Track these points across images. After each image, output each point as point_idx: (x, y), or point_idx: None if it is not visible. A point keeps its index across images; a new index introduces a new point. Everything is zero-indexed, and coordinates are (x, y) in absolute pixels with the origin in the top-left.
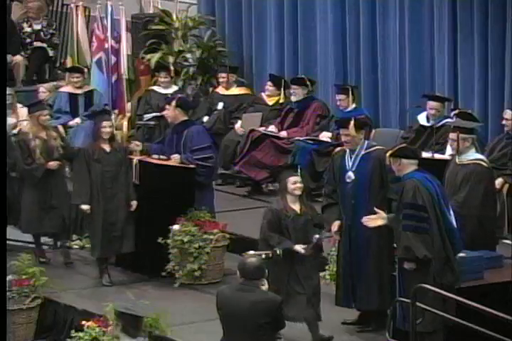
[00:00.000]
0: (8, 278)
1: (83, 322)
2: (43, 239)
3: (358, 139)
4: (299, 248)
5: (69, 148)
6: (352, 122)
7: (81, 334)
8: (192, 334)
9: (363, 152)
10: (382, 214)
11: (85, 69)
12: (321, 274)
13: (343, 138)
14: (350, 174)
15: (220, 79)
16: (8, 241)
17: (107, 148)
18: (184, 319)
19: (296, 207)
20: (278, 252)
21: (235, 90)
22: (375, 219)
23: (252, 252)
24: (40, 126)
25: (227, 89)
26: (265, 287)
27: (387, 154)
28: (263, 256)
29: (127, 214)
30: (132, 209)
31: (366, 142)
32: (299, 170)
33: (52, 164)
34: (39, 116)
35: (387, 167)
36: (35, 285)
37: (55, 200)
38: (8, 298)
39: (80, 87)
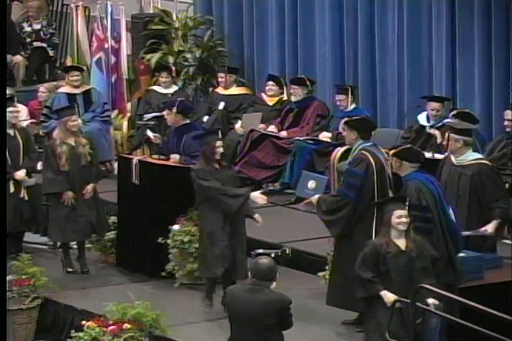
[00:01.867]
0: (8, 278)
1: (83, 322)
2: (42, 239)
3: (351, 138)
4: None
5: (96, 155)
6: (342, 121)
7: (81, 334)
8: (192, 334)
9: (355, 152)
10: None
11: (84, 68)
12: (321, 274)
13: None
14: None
15: (220, 79)
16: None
17: (218, 167)
18: (184, 319)
19: (401, 242)
20: (287, 251)
21: (235, 90)
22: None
23: (260, 251)
24: (68, 131)
25: (226, 89)
26: (273, 286)
27: (391, 152)
28: (272, 255)
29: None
30: (258, 223)
31: (362, 144)
32: (407, 204)
33: (67, 195)
34: (67, 121)
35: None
36: (35, 285)
37: (83, 209)
38: (8, 298)
39: (77, 87)
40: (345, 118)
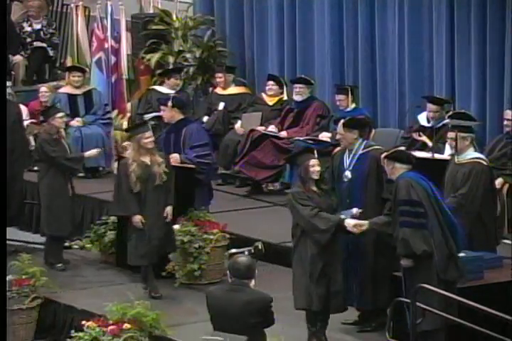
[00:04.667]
0: (8, 278)
1: (83, 322)
2: (42, 239)
3: (351, 138)
4: None
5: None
6: (342, 121)
7: (81, 334)
8: (192, 334)
9: (360, 151)
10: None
11: (87, 69)
12: None
13: (337, 137)
14: (347, 173)
15: (218, 80)
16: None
17: (316, 190)
18: (184, 319)
19: None
20: (260, 247)
21: (233, 89)
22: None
23: (234, 250)
24: (142, 149)
25: (224, 89)
26: (252, 284)
27: (382, 155)
28: (246, 252)
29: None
30: None
31: (364, 142)
32: None
33: (136, 218)
34: (141, 138)
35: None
36: (35, 285)
37: (154, 231)
38: (8, 298)
39: (78, 87)
40: (342, 120)
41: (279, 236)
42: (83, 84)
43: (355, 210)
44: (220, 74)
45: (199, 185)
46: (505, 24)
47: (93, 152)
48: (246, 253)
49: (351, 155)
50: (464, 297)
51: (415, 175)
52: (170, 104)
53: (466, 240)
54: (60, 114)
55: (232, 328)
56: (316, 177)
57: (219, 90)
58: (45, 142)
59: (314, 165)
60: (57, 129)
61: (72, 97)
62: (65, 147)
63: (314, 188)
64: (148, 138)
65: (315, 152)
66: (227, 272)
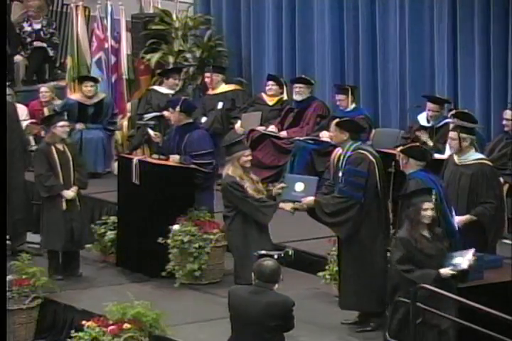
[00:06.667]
0: (8, 278)
1: (83, 322)
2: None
3: (341, 139)
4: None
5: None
6: (335, 120)
7: (81, 334)
8: (192, 334)
9: (348, 153)
10: None
11: (99, 79)
12: (321, 274)
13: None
14: (340, 174)
15: (206, 79)
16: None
17: (427, 234)
18: (184, 319)
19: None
20: (290, 253)
21: (224, 88)
22: None
23: (263, 252)
24: (243, 168)
25: (214, 89)
26: (276, 287)
27: (398, 149)
28: (275, 256)
29: None
30: None
31: (354, 144)
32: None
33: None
34: (240, 156)
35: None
36: (35, 285)
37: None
38: (8, 298)
39: (90, 97)
40: (336, 120)
41: (279, 236)
42: (95, 94)
43: (470, 255)
44: (207, 74)
45: (205, 189)
46: (509, 22)
47: (69, 193)
48: (275, 257)
49: (342, 156)
50: (464, 297)
51: (426, 177)
52: (178, 108)
53: (461, 244)
54: (61, 123)
55: (251, 330)
56: (427, 221)
57: (210, 91)
58: (39, 152)
59: (427, 209)
60: (60, 138)
61: (82, 106)
62: (56, 166)
63: (425, 232)
64: (248, 156)
65: (433, 194)
66: (252, 274)
